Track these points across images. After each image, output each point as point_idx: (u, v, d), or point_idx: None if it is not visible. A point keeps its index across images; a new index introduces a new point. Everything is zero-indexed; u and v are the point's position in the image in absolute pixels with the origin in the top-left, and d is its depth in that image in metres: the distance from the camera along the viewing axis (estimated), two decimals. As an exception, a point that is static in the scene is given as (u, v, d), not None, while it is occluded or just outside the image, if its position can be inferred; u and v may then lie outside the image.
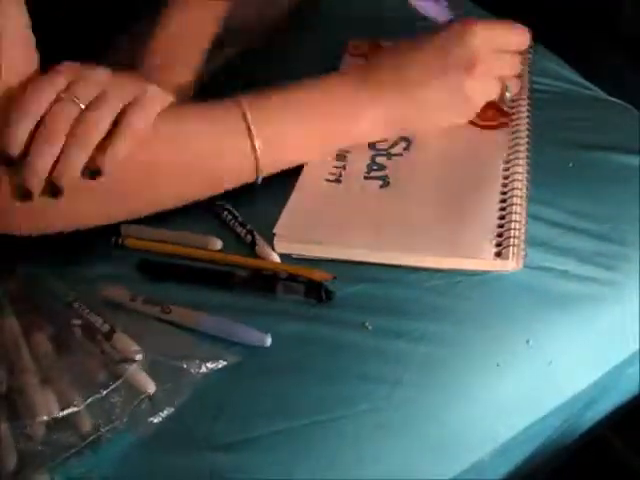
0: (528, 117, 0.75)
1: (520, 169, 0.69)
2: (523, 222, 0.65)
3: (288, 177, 0.70)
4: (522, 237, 0.64)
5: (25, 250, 0.69)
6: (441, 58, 0.68)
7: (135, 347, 0.59)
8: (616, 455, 0.75)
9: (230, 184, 0.67)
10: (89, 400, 0.56)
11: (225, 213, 0.69)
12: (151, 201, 0.65)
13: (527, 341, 0.60)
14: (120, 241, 0.68)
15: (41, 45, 0.64)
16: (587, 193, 0.69)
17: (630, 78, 0.83)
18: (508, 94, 0.72)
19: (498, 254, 0.63)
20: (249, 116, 0.64)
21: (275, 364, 0.59)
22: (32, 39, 0.62)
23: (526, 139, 0.72)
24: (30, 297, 0.64)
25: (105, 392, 0.57)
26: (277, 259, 0.65)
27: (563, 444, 0.69)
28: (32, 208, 0.60)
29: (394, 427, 0.57)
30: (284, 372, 0.59)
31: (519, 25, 0.73)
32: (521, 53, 0.73)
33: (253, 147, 0.64)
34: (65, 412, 0.56)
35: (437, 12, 0.81)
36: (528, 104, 0.76)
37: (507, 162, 0.70)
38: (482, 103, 0.71)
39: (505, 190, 0.67)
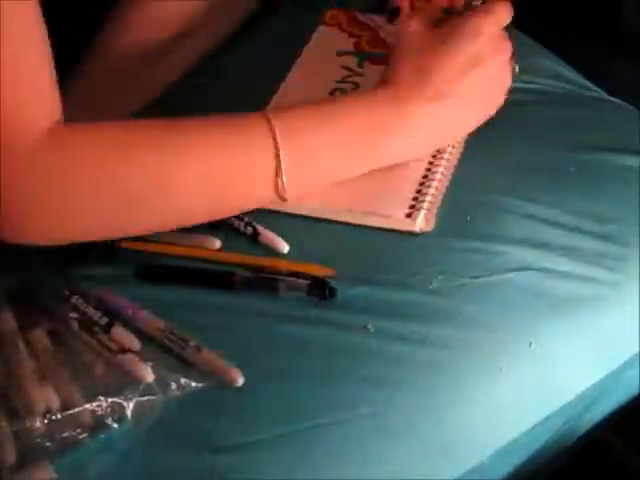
0: None
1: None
2: (442, 189, 0.68)
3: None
4: (437, 203, 0.67)
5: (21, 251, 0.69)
6: (464, 52, 0.64)
7: (133, 338, 0.59)
8: (616, 456, 0.75)
9: (248, 204, 0.62)
10: (89, 393, 0.56)
11: None
12: (158, 215, 0.61)
13: (530, 344, 0.60)
14: (116, 244, 0.67)
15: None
16: (588, 194, 0.69)
17: (630, 78, 0.83)
18: (517, 68, 0.70)
19: (408, 215, 0.65)
20: (277, 129, 0.58)
21: (276, 366, 0.59)
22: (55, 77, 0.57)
23: None
24: (27, 293, 0.63)
25: (104, 384, 0.57)
26: (284, 245, 0.65)
27: (564, 445, 0.69)
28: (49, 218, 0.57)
29: (395, 430, 0.57)
30: (285, 374, 0.58)
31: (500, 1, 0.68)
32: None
33: (279, 163, 0.59)
34: (66, 409, 0.55)
35: None
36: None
37: None
38: (508, 85, 0.69)
39: (432, 160, 0.69)
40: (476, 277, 0.62)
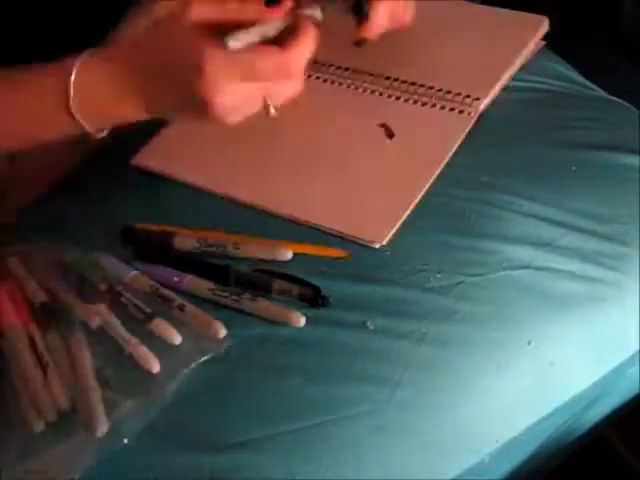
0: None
1: None
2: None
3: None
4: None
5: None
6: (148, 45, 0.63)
7: (174, 332, 0.60)
8: (616, 455, 0.75)
9: (56, 135, 0.68)
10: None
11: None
12: None
13: (529, 342, 0.60)
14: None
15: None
16: (588, 193, 0.69)
17: (630, 78, 0.83)
18: (272, 110, 0.60)
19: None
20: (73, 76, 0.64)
21: (275, 364, 0.59)
22: None
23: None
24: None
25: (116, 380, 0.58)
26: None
27: (564, 444, 0.69)
28: None
29: (394, 428, 0.57)
30: (284, 373, 0.58)
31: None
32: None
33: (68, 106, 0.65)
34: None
35: None
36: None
37: None
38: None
39: None
40: (474, 275, 0.62)
